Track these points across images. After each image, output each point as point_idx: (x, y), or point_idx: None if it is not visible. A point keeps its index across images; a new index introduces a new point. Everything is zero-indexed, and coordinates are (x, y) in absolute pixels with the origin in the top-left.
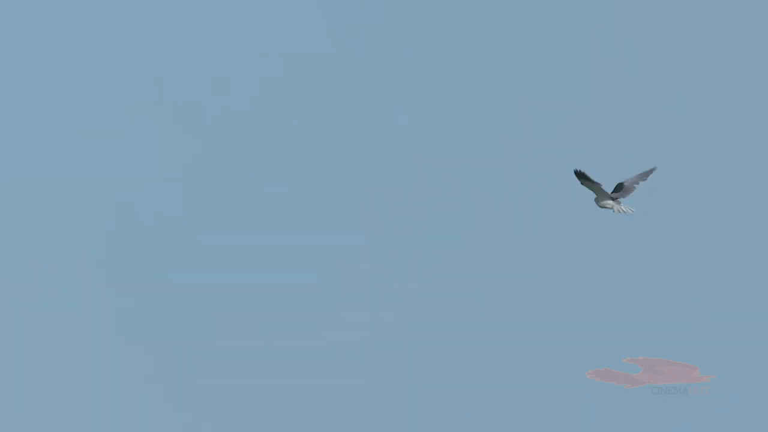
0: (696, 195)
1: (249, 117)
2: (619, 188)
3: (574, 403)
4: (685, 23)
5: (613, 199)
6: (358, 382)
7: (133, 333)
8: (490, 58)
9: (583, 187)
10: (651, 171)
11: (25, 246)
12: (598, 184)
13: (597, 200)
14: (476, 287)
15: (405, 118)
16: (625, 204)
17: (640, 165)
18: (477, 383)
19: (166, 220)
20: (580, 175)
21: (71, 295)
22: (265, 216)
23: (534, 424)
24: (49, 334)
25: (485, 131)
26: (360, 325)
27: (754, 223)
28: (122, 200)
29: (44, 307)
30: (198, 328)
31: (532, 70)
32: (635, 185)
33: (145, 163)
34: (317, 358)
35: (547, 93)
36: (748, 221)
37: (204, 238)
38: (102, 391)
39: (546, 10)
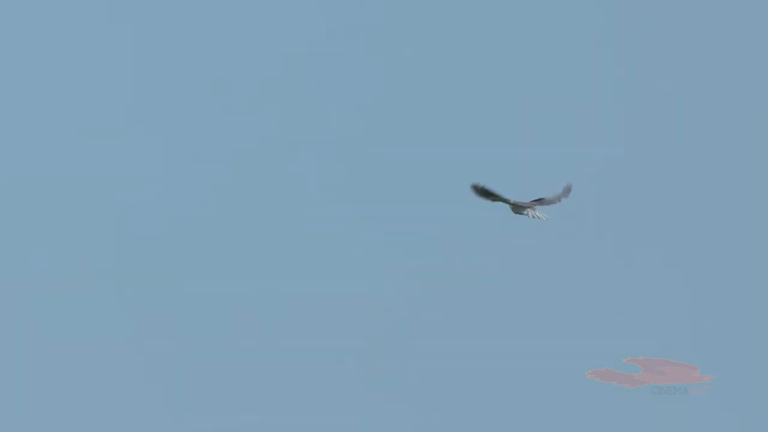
0: (698, 192)
1: (249, 117)
2: (539, 201)
3: (574, 403)
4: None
5: (530, 207)
6: (357, 384)
7: (134, 334)
8: (490, 58)
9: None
10: (569, 188)
11: (24, 246)
12: (501, 198)
13: (513, 210)
14: (475, 287)
15: (405, 117)
16: (540, 210)
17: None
18: (476, 383)
19: (166, 221)
20: (481, 191)
21: (71, 295)
22: (266, 216)
23: (534, 424)
24: (48, 335)
25: (485, 131)
26: (359, 326)
27: (755, 222)
28: (121, 201)
29: (44, 307)
30: (198, 329)
31: (532, 70)
32: (557, 201)
33: (145, 164)
34: (319, 360)
35: (548, 93)
36: (749, 220)
37: (204, 237)
38: (104, 393)
39: (546, 10)
